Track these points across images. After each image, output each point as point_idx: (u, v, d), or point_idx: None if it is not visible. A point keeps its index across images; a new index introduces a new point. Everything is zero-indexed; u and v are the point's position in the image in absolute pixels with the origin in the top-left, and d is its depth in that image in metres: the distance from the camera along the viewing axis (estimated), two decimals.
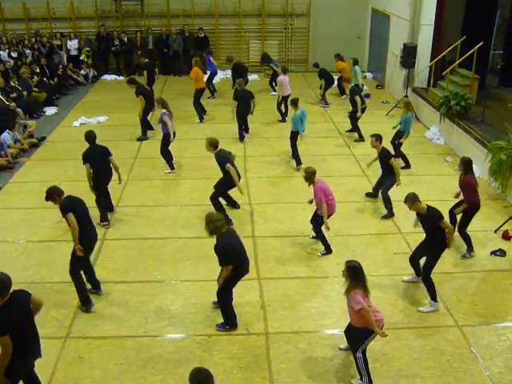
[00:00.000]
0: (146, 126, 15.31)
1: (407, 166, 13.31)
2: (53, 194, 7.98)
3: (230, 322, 7.87)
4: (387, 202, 10.97)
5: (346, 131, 15.55)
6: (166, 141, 12.95)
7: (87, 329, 7.93)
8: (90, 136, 10.47)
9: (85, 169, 10.19)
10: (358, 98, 14.90)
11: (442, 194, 10.45)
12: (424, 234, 8.40)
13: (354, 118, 15.22)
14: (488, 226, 10.61)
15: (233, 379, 7.00)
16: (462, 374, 7.10)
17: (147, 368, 7.19)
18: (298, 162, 13.09)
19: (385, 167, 10.94)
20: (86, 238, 8.10)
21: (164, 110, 12.82)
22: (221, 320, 7.92)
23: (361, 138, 15.13)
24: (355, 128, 15.28)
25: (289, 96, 15.95)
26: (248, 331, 7.87)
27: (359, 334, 6.71)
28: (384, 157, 10.81)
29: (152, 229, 10.63)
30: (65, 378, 7.06)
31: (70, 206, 7.96)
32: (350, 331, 6.94)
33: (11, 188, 12.45)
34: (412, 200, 7.99)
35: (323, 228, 9.65)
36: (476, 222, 10.55)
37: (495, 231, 10.42)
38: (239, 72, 18.04)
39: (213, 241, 7.47)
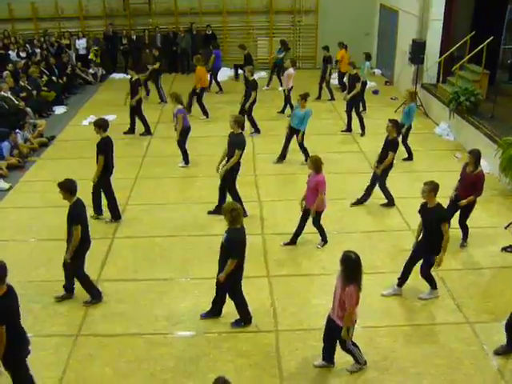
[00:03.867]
0: (145, 120, 15.48)
1: (410, 157, 13.49)
2: (66, 189, 7.88)
3: (244, 318, 7.90)
4: (386, 193, 11.13)
5: (360, 133, 15.46)
6: (185, 134, 13.05)
7: (97, 327, 7.96)
8: (106, 124, 10.43)
9: (100, 160, 10.15)
10: (358, 85, 15.10)
11: (451, 191, 10.36)
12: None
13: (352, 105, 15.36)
14: (498, 222, 10.56)
15: (243, 376, 7.00)
16: (473, 371, 7.07)
17: (157, 366, 7.21)
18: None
19: (383, 156, 10.91)
20: (84, 245, 8.13)
21: (180, 106, 12.86)
22: (231, 317, 7.94)
23: (348, 130, 15.50)
24: (349, 116, 15.45)
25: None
26: (258, 328, 7.87)
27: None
28: (389, 145, 10.80)
29: (161, 227, 10.65)
30: (76, 375, 7.09)
31: (81, 216, 7.95)
32: (335, 331, 6.80)
33: (21, 187, 12.51)
34: (431, 188, 7.91)
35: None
36: (486, 217, 10.56)
37: (506, 227, 10.36)
38: (250, 62, 18.24)
39: (220, 239, 7.47)
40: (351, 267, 6.45)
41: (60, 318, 8.14)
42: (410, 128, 13.33)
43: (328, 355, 7.06)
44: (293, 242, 9.92)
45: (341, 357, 7.08)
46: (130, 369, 7.18)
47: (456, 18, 16.79)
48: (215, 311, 8.04)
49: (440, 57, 16.81)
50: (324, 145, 14.24)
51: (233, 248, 7.33)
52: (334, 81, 19.47)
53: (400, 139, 12.91)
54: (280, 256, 9.66)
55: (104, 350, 7.53)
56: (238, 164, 10.61)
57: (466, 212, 9.63)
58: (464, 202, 9.44)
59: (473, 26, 16.49)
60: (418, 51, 16.74)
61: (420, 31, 17.40)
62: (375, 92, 19.11)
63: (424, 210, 8.14)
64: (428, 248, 8.10)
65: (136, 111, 15.27)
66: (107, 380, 7.02)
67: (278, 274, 9.13)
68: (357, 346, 6.95)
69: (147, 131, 15.52)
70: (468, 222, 9.76)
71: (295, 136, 13.05)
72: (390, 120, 10.93)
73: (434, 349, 7.44)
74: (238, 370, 7.09)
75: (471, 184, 9.42)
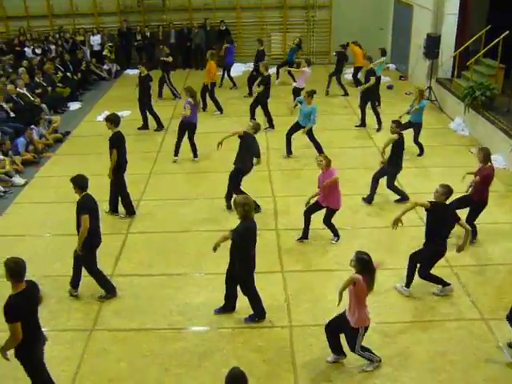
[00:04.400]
0: (156, 116, 15.55)
1: (421, 153, 13.46)
2: (76, 184, 8.01)
3: (258, 313, 7.90)
4: (397, 191, 11.06)
5: (376, 128, 15.38)
6: (187, 128, 13.11)
7: (112, 321, 8.02)
8: (118, 119, 10.50)
9: (114, 153, 10.23)
10: (372, 79, 15.06)
11: (465, 187, 10.31)
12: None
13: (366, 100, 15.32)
14: None
15: (257, 372, 7.01)
16: (489, 367, 7.03)
17: (172, 360, 7.25)
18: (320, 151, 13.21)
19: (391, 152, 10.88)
20: (95, 240, 8.21)
21: (189, 99, 12.87)
22: (245, 312, 7.95)
23: (362, 125, 15.51)
24: (363, 111, 15.42)
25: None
26: (272, 324, 7.88)
27: (354, 335, 6.72)
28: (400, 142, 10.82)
29: (175, 222, 10.69)
30: (91, 369, 7.14)
31: (90, 207, 8.00)
32: (342, 327, 6.85)
33: (37, 183, 12.61)
34: (444, 192, 7.87)
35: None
36: (501, 215, 10.49)
37: None
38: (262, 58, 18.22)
39: None
40: (363, 266, 6.47)
41: (75, 312, 8.20)
42: (420, 126, 13.25)
43: (334, 346, 7.04)
44: (305, 237, 9.91)
45: None
46: (145, 363, 7.22)
47: (471, 11, 16.63)
48: (229, 307, 8.06)
49: (455, 51, 16.69)
50: (339, 140, 14.22)
51: (237, 237, 7.37)
52: (348, 76, 19.40)
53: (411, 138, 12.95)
54: (294, 251, 9.65)
55: (119, 344, 7.57)
56: (246, 167, 10.71)
57: (476, 212, 9.51)
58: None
59: (488, 19, 16.35)
60: (432, 46, 16.62)
61: (435, 25, 17.25)
62: (390, 87, 19.01)
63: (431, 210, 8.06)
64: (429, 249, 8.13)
65: (147, 107, 15.35)
66: (122, 374, 7.06)
67: (292, 270, 9.13)
68: (367, 349, 6.92)
69: (159, 126, 15.57)
70: (484, 218, 9.66)
71: (302, 131, 13.14)
72: (392, 121, 10.92)
73: (449, 345, 7.41)
74: (251, 366, 7.09)
75: (481, 180, 9.37)
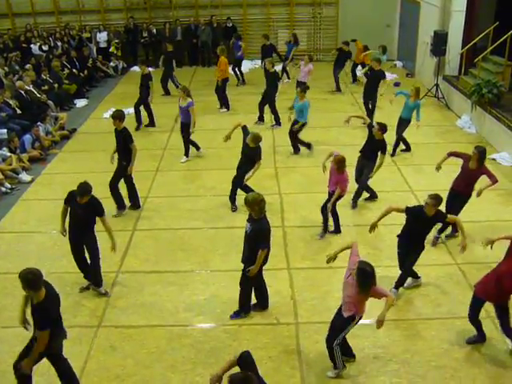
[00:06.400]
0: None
1: (407, 149, 13.47)
2: (86, 192, 7.94)
3: (244, 308, 7.93)
4: (368, 189, 11.04)
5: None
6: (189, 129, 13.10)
7: (119, 318, 8.04)
8: (125, 114, 10.62)
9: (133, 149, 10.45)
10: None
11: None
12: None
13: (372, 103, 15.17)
14: None
15: (262, 369, 6.96)
16: (495, 366, 7.02)
17: (178, 357, 7.27)
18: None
19: (371, 156, 10.72)
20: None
21: (190, 99, 12.85)
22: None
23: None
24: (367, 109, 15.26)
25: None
26: (277, 321, 7.89)
27: (345, 323, 6.59)
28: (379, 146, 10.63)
29: (182, 219, 10.70)
30: (97, 366, 7.17)
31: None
32: (336, 322, 6.78)
33: (43, 180, 12.64)
34: (436, 203, 7.71)
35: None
36: (507, 213, 10.43)
37: None
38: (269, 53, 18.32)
39: (241, 231, 7.49)
40: (365, 280, 6.22)
41: (82, 309, 8.22)
42: (408, 123, 13.10)
43: (345, 351, 7.02)
44: (325, 231, 10.00)
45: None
46: (151, 360, 7.24)
47: (479, 8, 16.55)
48: (262, 304, 8.08)
49: (462, 48, 16.63)
50: (345, 137, 14.19)
51: (263, 238, 7.32)
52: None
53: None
54: (300, 248, 9.65)
55: (125, 341, 7.60)
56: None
57: (463, 205, 9.43)
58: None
59: (496, 16, 16.28)
60: (439, 43, 16.57)
61: (442, 22, 17.20)
62: (397, 84, 18.94)
63: (419, 215, 7.92)
64: (413, 247, 8.15)
65: (144, 103, 15.44)
66: (128, 370, 7.08)
67: (298, 267, 9.13)
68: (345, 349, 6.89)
69: (151, 123, 15.69)
70: (489, 216, 9.65)
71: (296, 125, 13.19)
72: (377, 123, 10.70)
73: (454, 343, 7.40)
74: (257, 363, 7.01)
75: (475, 179, 9.33)
